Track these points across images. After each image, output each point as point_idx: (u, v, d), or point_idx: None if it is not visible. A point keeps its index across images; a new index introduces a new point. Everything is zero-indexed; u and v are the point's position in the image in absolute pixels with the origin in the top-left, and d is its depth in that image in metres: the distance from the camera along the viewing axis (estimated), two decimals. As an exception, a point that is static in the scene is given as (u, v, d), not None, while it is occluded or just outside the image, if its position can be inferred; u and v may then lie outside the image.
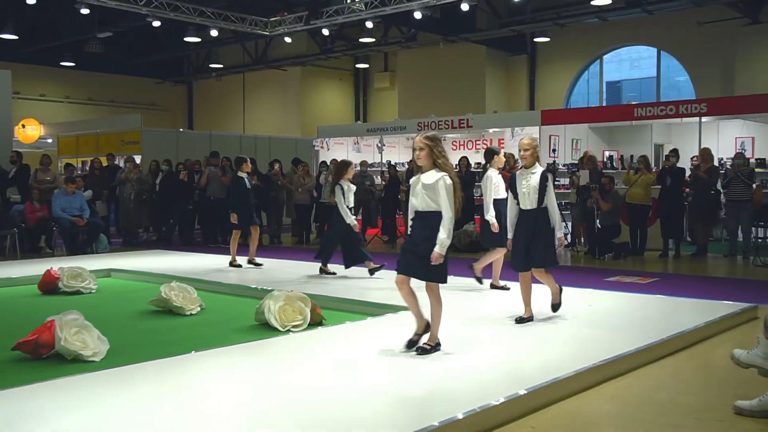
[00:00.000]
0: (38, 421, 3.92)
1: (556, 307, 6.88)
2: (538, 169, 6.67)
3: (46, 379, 4.77)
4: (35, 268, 9.79)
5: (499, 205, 8.15)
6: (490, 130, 18.34)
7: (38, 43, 24.03)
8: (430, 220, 5.49)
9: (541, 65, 24.32)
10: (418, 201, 5.60)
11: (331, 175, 11.08)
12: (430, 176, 5.56)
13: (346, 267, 9.71)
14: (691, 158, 14.33)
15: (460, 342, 5.81)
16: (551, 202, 6.65)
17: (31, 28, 22.41)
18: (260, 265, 10.97)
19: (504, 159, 9.25)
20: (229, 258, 10.96)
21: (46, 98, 26.63)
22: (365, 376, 4.93)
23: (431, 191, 5.50)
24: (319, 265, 9.93)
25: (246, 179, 11.04)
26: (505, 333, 6.37)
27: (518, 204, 6.70)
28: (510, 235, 6.83)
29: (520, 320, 6.62)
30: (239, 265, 10.79)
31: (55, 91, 27.26)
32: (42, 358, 5.55)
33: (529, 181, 6.60)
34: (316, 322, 6.80)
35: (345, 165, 9.87)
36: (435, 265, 5.42)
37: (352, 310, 7.54)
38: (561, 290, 6.94)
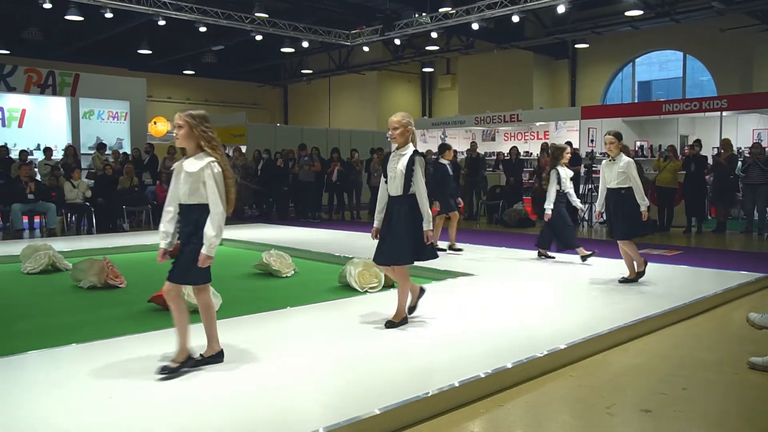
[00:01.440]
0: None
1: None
2: (409, 151, 4.91)
3: (173, 326, 4.90)
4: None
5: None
6: (537, 124, 18.11)
7: (166, 56, 24.62)
8: (193, 214, 3.94)
9: (580, 68, 23.71)
10: (181, 191, 3.97)
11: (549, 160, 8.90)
12: (194, 163, 3.96)
13: (558, 250, 8.44)
14: (714, 148, 13.98)
15: (515, 304, 5.76)
16: (418, 189, 4.86)
17: (161, 45, 22.95)
18: (460, 250, 9.25)
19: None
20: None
21: (172, 100, 27.27)
22: (429, 330, 4.93)
23: (195, 180, 3.91)
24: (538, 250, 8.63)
25: (448, 166, 9.38)
26: (553, 295, 6.29)
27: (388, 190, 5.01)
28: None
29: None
30: (460, 249, 9.22)
31: (179, 94, 27.89)
32: (168, 309, 5.70)
33: (397, 164, 4.91)
34: (389, 285, 6.83)
35: (560, 150, 8.40)
36: (198, 267, 3.89)
37: (419, 275, 7.53)
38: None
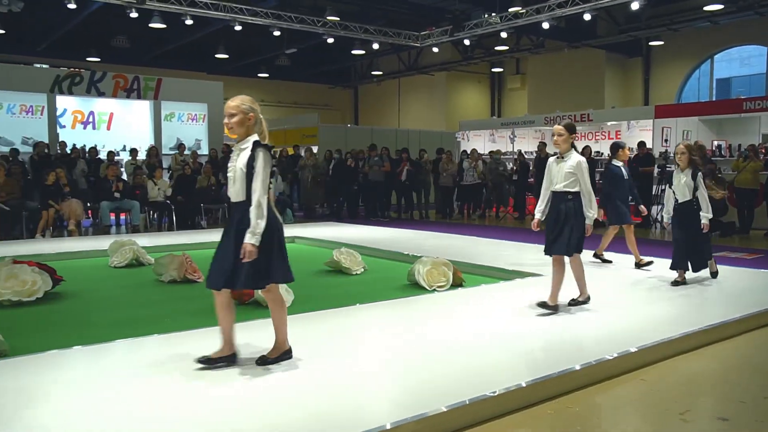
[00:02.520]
0: (252, 345, 4.18)
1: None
2: (249, 144, 3.95)
3: (249, 319, 5.02)
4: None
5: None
6: (608, 123, 17.66)
7: (242, 60, 25.22)
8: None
9: (654, 66, 22.95)
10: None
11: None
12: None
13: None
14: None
15: (590, 308, 5.63)
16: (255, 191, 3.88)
17: (237, 49, 23.52)
18: (608, 261, 7.95)
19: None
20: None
21: (247, 102, 27.92)
22: (495, 329, 4.89)
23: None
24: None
25: (623, 169, 7.93)
26: (620, 297, 6.13)
27: None
28: None
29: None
30: (650, 262, 7.64)
31: (254, 96, 27.73)
32: (245, 303, 5.84)
33: (236, 162, 3.99)
34: (457, 284, 6.81)
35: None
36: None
37: (487, 275, 7.48)
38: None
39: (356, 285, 7.11)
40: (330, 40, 20.06)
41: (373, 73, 27.57)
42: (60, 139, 15.58)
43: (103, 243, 9.27)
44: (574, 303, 5.59)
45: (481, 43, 22.62)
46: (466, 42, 21.00)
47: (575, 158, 5.45)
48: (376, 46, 21.40)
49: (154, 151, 15.41)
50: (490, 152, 17.59)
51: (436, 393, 3.50)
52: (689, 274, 6.67)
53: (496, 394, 3.51)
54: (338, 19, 18.65)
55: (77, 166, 14.01)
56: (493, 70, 27.72)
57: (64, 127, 16.41)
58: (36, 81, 16.10)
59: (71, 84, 16.32)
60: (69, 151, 14.77)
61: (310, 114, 23.45)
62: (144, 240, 9.67)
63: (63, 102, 16.41)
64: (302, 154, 18.12)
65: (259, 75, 27.13)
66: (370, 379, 3.80)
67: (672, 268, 6.67)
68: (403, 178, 16.34)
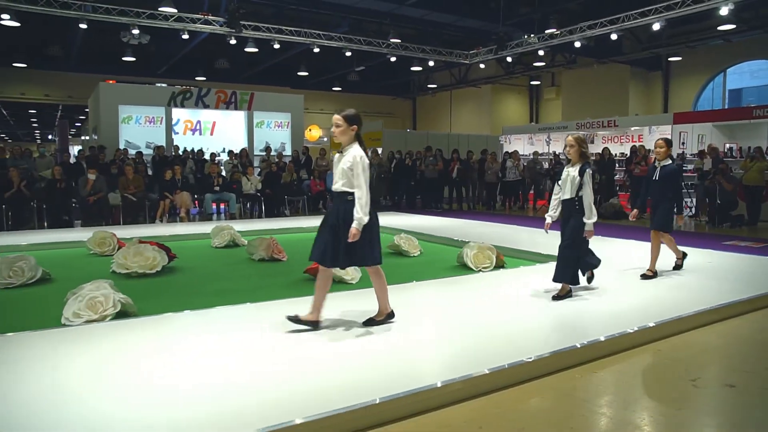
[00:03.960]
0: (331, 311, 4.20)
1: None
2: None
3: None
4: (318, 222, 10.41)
5: None
6: (632, 129, 17.05)
7: (319, 76, 25.43)
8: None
9: (673, 78, 21.96)
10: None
11: None
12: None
13: None
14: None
15: (613, 288, 5.50)
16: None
17: (315, 67, 23.73)
18: (678, 267, 6.19)
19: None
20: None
21: (323, 111, 28.18)
22: (533, 304, 4.82)
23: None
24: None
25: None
26: (646, 281, 5.94)
27: None
28: None
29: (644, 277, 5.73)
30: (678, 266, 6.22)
31: (329, 106, 28.72)
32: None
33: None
34: (499, 266, 6.74)
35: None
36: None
37: (526, 258, 7.37)
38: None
39: (413, 265, 7.10)
40: (393, 59, 20.00)
41: (428, 86, 27.36)
42: (174, 143, 16.09)
43: (206, 228, 9.49)
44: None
45: (521, 59, 22.14)
46: (509, 59, 20.57)
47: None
48: (431, 63, 21.21)
49: (244, 153, 15.73)
50: (533, 153, 17.27)
51: (480, 357, 3.49)
52: (720, 261, 6.22)
53: (531, 360, 3.48)
54: (399, 41, 18.58)
55: (187, 165, 14.44)
56: (532, 82, 27.08)
57: (177, 133, 16.92)
58: (157, 97, 16.67)
59: (183, 99, 16.82)
60: (181, 153, 15.24)
61: (375, 121, 23.48)
62: (239, 225, 9.85)
63: (177, 113, 16.92)
64: (368, 154, 18.15)
65: (333, 89, 27.30)
66: (425, 345, 3.82)
67: (555, 279, 5.05)
68: (454, 175, 16.24)
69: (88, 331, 4.05)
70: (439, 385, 3.09)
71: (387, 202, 17.76)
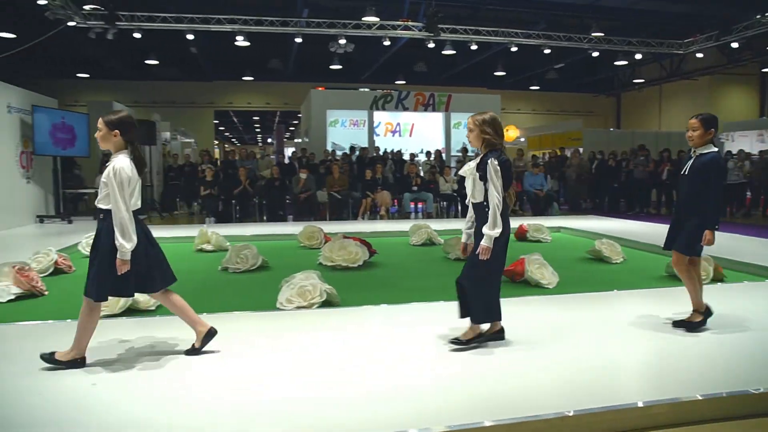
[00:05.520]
0: (519, 316, 4.11)
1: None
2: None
3: (517, 296, 5.08)
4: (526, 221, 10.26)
5: None
6: None
7: (516, 76, 25.00)
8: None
9: None
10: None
11: None
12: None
13: None
14: None
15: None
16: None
17: (512, 67, 23.28)
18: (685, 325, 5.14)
19: None
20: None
21: (521, 111, 27.64)
22: (750, 324, 4.20)
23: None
24: None
25: None
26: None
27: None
28: None
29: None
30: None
31: (526, 106, 28.13)
32: (515, 282, 5.87)
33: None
34: (717, 279, 6.03)
35: None
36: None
37: (751, 272, 6.45)
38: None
39: (615, 273, 6.67)
40: (595, 54, 18.89)
41: (635, 81, 25.31)
42: (376, 145, 17.09)
43: (404, 225, 9.86)
44: None
45: (750, 44, 19.36)
46: (734, 44, 18.15)
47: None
48: (638, 56, 19.58)
49: (437, 154, 16.07)
50: (760, 152, 15.05)
51: (690, 380, 3.15)
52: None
53: (758, 392, 2.98)
54: (602, 34, 17.48)
55: (387, 165, 15.21)
56: (763, 70, 23.55)
57: (378, 135, 17.93)
58: (360, 101, 17.87)
59: (384, 102, 17.77)
60: (382, 154, 16.11)
61: (574, 120, 22.40)
62: (436, 224, 10.00)
63: (378, 116, 17.92)
64: (567, 154, 17.42)
65: (531, 88, 26.62)
66: (623, 358, 3.55)
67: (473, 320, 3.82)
68: (664, 177, 14.83)
69: (299, 316, 4.52)
70: (640, 405, 2.86)
71: (587, 205, 16.87)
